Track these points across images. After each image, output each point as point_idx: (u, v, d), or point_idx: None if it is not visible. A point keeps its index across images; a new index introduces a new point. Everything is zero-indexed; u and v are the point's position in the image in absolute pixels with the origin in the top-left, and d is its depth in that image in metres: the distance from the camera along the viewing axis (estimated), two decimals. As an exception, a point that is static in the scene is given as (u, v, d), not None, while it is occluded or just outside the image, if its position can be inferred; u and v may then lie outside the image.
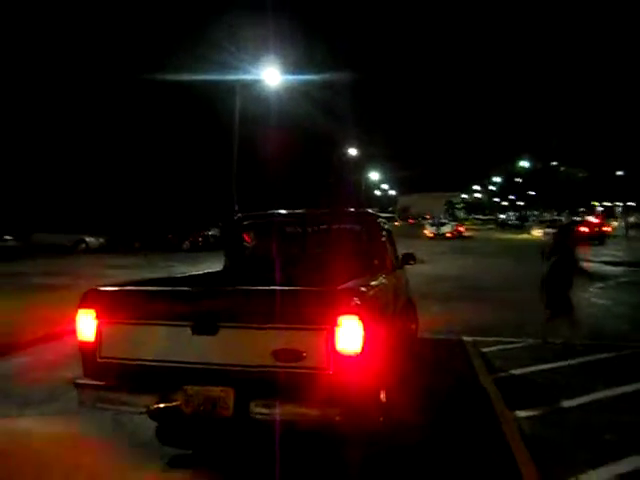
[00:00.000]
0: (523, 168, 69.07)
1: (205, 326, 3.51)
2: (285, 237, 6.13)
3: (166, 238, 31.10)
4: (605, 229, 36.10)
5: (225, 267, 6.03)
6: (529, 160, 65.33)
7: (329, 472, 3.87)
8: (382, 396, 3.92)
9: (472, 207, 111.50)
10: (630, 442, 4.24)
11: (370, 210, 6.52)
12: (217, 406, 3.44)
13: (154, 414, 3.65)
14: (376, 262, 5.35)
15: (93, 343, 3.71)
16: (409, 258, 6.47)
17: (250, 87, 33.52)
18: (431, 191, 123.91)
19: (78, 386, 3.75)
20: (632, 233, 44.81)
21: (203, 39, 33.51)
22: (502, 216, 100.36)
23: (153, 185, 35.29)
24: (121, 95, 32.85)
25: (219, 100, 33.23)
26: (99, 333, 3.70)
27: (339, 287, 3.60)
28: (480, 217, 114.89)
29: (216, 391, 3.45)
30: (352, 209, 7.00)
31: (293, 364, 3.34)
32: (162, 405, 3.50)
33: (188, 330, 3.52)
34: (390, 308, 4.84)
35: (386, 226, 6.28)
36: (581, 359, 6.68)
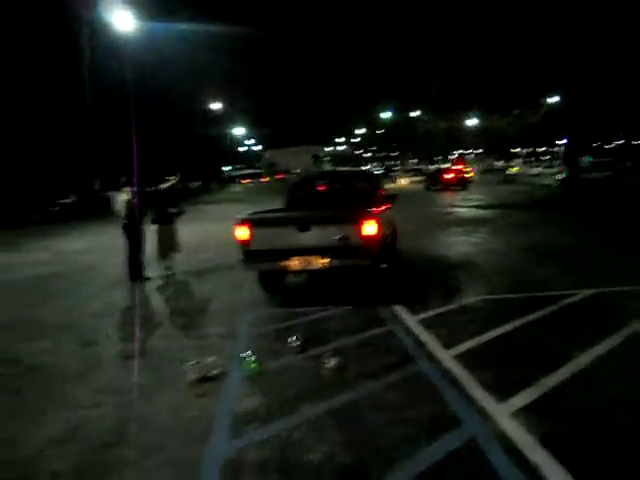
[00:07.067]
0: (385, 119, 71.35)
1: (304, 227, 7.31)
2: (318, 187, 10.18)
3: (11, 208, 26.72)
4: (467, 175, 38.39)
5: (288, 205, 9.55)
6: (392, 110, 67.50)
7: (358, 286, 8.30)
8: (383, 265, 7.96)
9: (337, 159, 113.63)
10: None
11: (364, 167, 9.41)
12: (311, 264, 7.30)
13: (270, 275, 8.14)
14: (377, 199, 8.94)
15: (247, 241, 7.47)
16: (393, 197, 10.14)
17: (100, 33, 29.62)
18: (296, 145, 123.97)
19: (242, 261, 7.63)
20: (486, 178, 48.65)
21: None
22: (367, 167, 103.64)
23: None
24: None
25: (67, 47, 29.02)
26: (250, 235, 7.46)
27: (364, 209, 7.57)
28: (346, 169, 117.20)
29: (310, 257, 7.26)
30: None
31: (345, 241, 7.09)
32: (282, 267, 7.45)
33: (296, 230, 7.33)
34: (386, 221, 8.49)
35: (379, 178, 12.06)
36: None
